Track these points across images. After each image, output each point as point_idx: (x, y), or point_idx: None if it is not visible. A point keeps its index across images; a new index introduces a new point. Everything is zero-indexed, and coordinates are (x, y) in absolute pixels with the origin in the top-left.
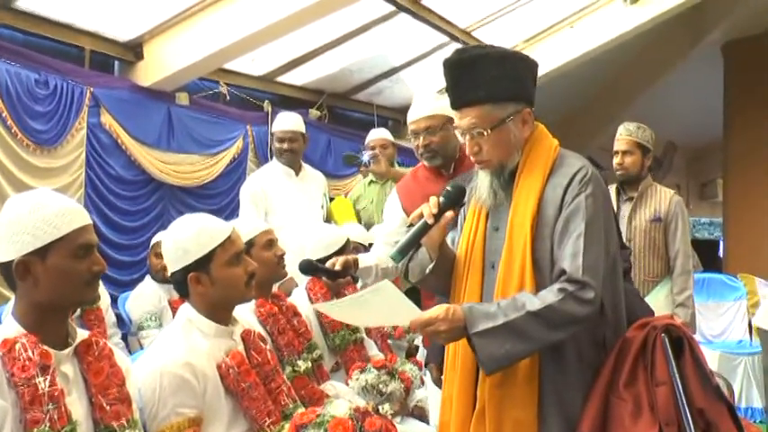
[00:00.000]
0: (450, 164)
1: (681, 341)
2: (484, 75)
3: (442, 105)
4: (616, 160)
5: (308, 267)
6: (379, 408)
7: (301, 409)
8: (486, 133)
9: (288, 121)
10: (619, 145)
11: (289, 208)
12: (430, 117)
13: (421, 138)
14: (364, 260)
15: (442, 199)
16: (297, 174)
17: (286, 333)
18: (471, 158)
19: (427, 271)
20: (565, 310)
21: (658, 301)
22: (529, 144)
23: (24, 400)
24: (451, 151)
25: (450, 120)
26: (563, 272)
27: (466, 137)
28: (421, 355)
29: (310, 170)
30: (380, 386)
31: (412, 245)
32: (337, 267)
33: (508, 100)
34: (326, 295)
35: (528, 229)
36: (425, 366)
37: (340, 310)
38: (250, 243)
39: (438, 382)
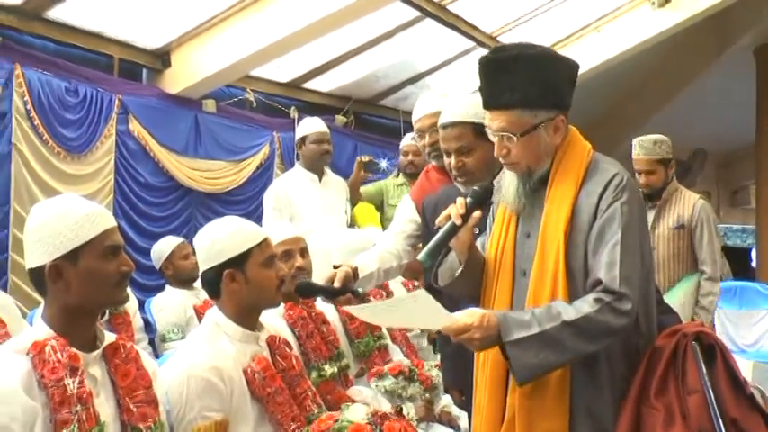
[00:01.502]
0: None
1: (713, 349)
2: (518, 78)
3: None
4: (641, 180)
5: (305, 289)
6: (403, 408)
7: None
8: (515, 138)
9: (322, 123)
10: (639, 165)
11: (313, 213)
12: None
13: (427, 137)
14: (364, 267)
15: (468, 199)
16: (320, 179)
17: (314, 337)
18: (500, 160)
19: (456, 274)
20: (601, 321)
21: (678, 298)
22: (561, 150)
23: (54, 402)
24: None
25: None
26: (599, 281)
27: (495, 138)
28: None
29: (332, 176)
30: (400, 391)
31: (441, 247)
32: (336, 284)
33: (541, 107)
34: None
35: (561, 237)
36: (446, 392)
37: (369, 312)
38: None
39: (461, 405)
